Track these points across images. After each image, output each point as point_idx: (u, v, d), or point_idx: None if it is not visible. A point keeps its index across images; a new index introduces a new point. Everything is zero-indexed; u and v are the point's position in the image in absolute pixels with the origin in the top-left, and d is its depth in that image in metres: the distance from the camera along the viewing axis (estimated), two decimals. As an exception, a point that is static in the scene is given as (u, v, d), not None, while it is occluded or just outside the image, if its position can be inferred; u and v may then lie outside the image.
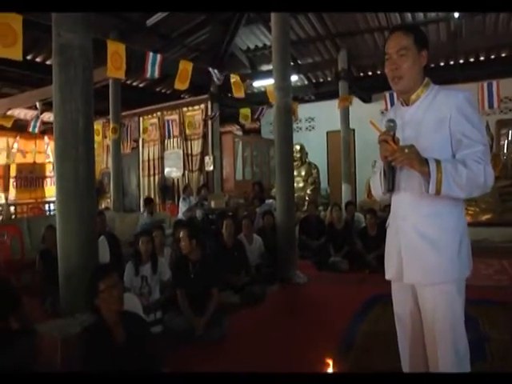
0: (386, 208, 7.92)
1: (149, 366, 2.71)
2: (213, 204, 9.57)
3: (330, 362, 2.76)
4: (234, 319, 4.58)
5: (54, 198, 13.75)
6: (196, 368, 3.52)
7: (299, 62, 12.59)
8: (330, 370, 2.22)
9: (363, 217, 8.09)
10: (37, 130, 10.91)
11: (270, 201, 10.03)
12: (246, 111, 8.94)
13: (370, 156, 11.99)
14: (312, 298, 5.83)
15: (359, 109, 12.11)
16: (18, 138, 13.86)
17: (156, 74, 6.16)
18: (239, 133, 13.62)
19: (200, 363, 3.70)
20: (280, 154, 6.69)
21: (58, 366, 2.68)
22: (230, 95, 8.64)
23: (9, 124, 10.38)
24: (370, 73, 12.99)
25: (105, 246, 4.30)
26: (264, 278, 5.90)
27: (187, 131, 12.37)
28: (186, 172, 12.49)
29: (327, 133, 13.91)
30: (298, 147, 11.52)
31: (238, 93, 7.70)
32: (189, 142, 12.38)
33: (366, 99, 13.11)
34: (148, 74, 6.08)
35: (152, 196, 13.16)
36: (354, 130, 12.57)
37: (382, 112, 12.14)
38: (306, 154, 12.38)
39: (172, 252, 5.47)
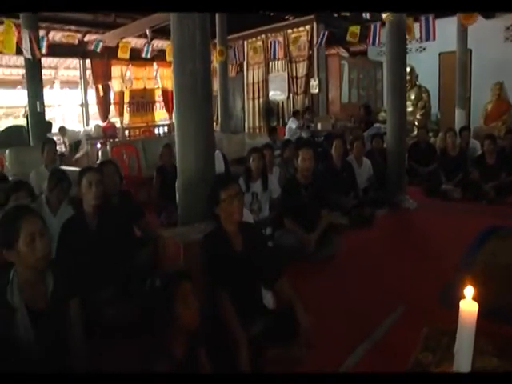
0: (507, 135, 7.36)
1: (265, 276, 2.80)
2: (319, 126, 9.45)
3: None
4: (342, 240, 4.60)
5: (162, 122, 14.40)
6: (305, 284, 3.59)
7: (413, -26, 11.53)
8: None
9: (479, 144, 7.59)
10: (149, 56, 11.21)
11: (378, 125, 9.71)
12: (355, 29, 8.38)
13: (489, 79, 11.06)
14: (422, 224, 5.68)
15: (479, 27, 10.69)
16: (130, 65, 14.41)
17: None
18: (345, 55, 13.03)
19: (309, 280, 3.79)
20: (392, 74, 6.39)
21: (180, 269, 2.84)
22: (336, 15, 8.16)
23: (126, 55, 10.56)
24: (496, -18, 11.58)
25: (220, 159, 4.39)
26: (372, 201, 5.82)
27: (292, 53, 12.09)
28: (291, 95, 12.32)
29: (440, 54, 12.85)
30: (407, 69, 10.81)
31: None
32: (294, 65, 12.10)
33: (489, 15, 11.76)
34: None
35: (256, 119, 13.29)
36: (470, 51, 11.48)
37: (508, 28, 10.90)
38: (416, 76, 11.59)
39: (281, 171, 5.51)
